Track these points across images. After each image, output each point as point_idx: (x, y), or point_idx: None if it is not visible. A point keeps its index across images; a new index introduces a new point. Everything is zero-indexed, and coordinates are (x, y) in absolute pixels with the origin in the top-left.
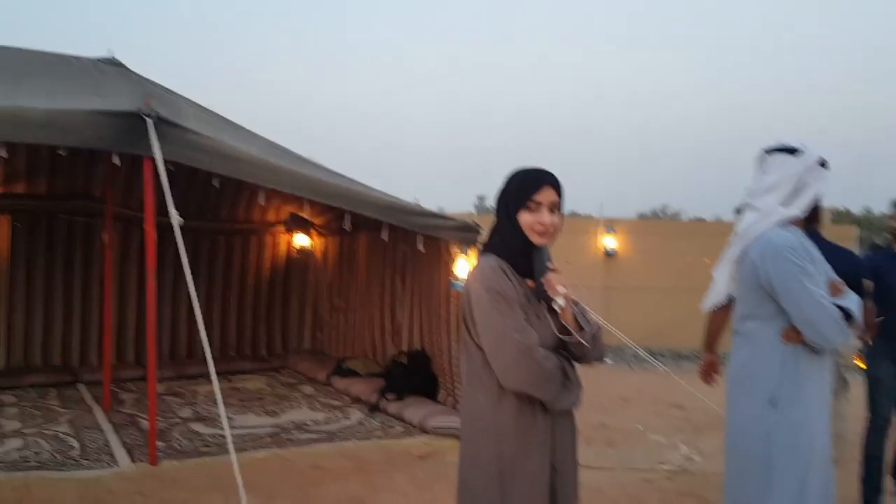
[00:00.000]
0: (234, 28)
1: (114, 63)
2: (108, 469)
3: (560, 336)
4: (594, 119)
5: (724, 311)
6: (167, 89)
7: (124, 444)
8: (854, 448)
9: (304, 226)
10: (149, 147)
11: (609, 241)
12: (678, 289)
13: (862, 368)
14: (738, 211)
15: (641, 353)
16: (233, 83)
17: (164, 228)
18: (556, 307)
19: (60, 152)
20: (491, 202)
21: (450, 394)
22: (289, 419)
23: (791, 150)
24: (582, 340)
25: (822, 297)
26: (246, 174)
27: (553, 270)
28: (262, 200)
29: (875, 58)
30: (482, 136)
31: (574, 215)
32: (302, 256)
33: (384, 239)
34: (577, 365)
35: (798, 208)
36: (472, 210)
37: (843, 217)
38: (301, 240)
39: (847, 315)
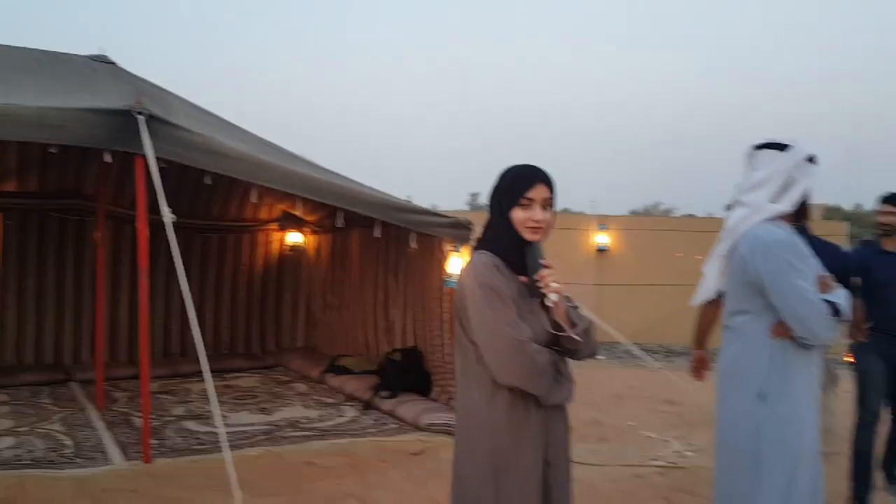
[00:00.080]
0: (224, 23)
1: (105, 61)
2: (102, 467)
3: (553, 332)
4: (588, 117)
5: (713, 306)
6: (158, 87)
7: (118, 442)
8: (844, 442)
9: (297, 223)
10: (140, 145)
11: (601, 238)
12: (670, 285)
13: (851, 363)
14: (729, 207)
15: (634, 349)
16: (226, 80)
17: (156, 226)
18: (548, 303)
19: (52, 150)
20: (484, 200)
21: (444, 391)
22: (282, 417)
23: (780, 147)
24: (574, 336)
25: (810, 292)
26: (238, 172)
27: (546, 266)
28: (254, 198)
29: (866, 56)
30: (476, 134)
31: (567, 212)
32: (295, 254)
33: (377, 236)
34: (569, 361)
35: (787, 204)
36: (466, 207)
37: (833, 213)
38: (294, 237)
39: (835, 310)
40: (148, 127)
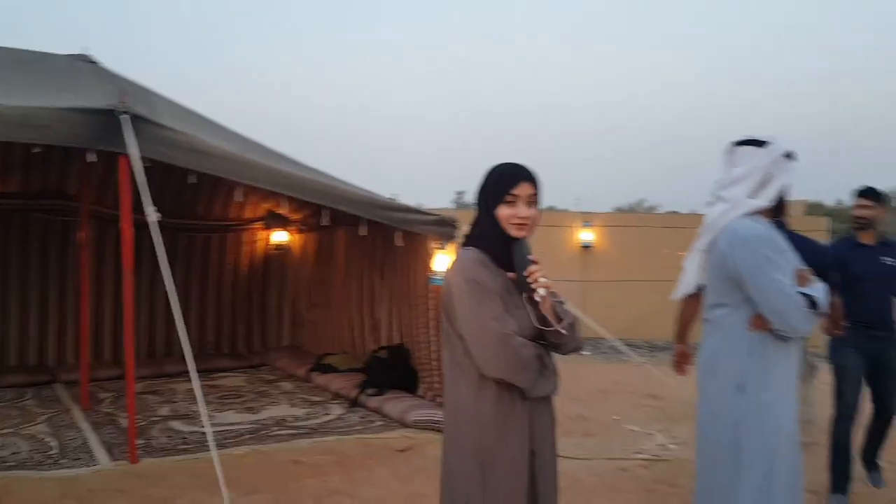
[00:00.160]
0: (224, 23)
1: (87, 60)
2: (88, 468)
3: (540, 327)
4: (580, 117)
5: (694, 301)
6: (141, 86)
7: (103, 442)
8: (823, 433)
9: (282, 222)
10: (124, 144)
11: (585, 235)
12: (654, 281)
13: (828, 357)
14: (709, 203)
15: (618, 345)
16: (226, 80)
17: (140, 226)
18: (536, 298)
19: (36, 150)
20: (470, 198)
21: (430, 387)
22: (269, 415)
23: (759, 143)
24: (561, 330)
25: (787, 286)
26: (223, 170)
27: (534, 262)
28: (239, 197)
29: (865, 56)
30: (463, 134)
31: (551, 210)
32: (280, 253)
33: (362, 234)
34: (554, 355)
35: (765, 199)
36: (451, 206)
37: (815, 209)
38: (279, 236)
39: (812, 303)
40: (132, 126)
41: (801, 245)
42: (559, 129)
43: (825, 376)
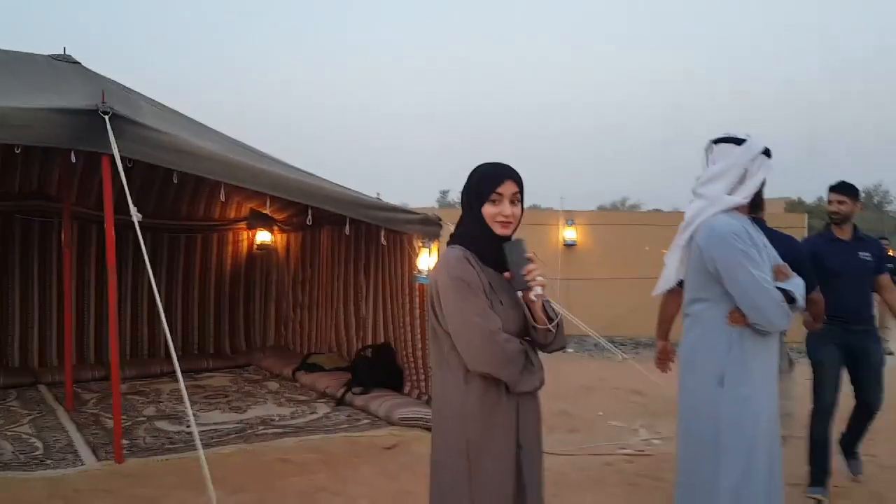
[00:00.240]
0: (224, 23)
1: (68, 60)
2: (74, 468)
3: (533, 325)
4: (561, 117)
5: (675, 297)
6: (123, 86)
7: (88, 443)
8: (803, 427)
9: (266, 222)
10: (106, 144)
11: (569, 233)
12: (637, 278)
13: (807, 352)
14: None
15: (602, 342)
16: (226, 80)
17: (122, 227)
18: (533, 296)
19: (17, 150)
20: (454, 197)
21: (415, 386)
22: (254, 415)
23: (736, 141)
24: (551, 329)
25: (764, 280)
26: (206, 170)
27: (531, 260)
28: (222, 197)
29: (865, 57)
30: (446, 133)
31: (535, 208)
32: (264, 252)
33: (347, 234)
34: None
35: (743, 196)
36: (435, 205)
37: (796, 206)
38: (263, 236)
39: (790, 298)
40: (114, 126)
41: (778, 241)
42: (545, 130)
43: (804, 371)
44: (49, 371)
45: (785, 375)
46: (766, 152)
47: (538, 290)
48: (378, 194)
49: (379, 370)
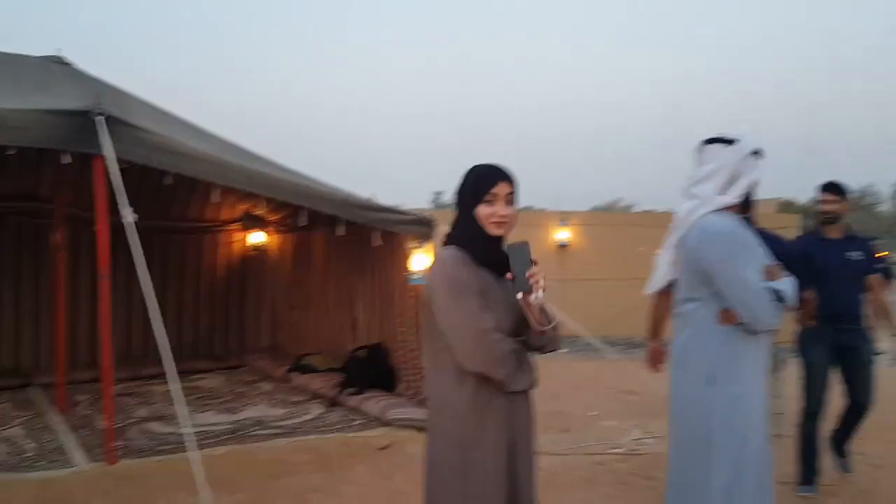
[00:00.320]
0: (224, 23)
1: (61, 62)
2: (66, 469)
3: (536, 327)
4: (555, 116)
5: (666, 297)
6: (116, 87)
7: (81, 444)
8: (792, 426)
9: (260, 223)
10: (99, 145)
11: (562, 234)
12: (630, 278)
13: (797, 352)
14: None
15: (594, 341)
16: (226, 80)
17: (115, 228)
18: (533, 299)
19: (10, 152)
20: (447, 198)
21: (409, 386)
22: (248, 416)
23: (727, 141)
24: (547, 331)
25: (755, 280)
26: (200, 172)
27: (535, 263)
28: (215, 198)
29: (823, 56)
30: (441, 133)
31: (529, 209)
32: (258, 254)
33: (340, 234)
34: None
35: (733, 196)
36: (430, 206)
37: (787, 207)
38: (256, 237)
39: (780, 297)
40: (107, 127)
41: (768, 241)
42: (541, 131)
43: (794, 370)
44: (41, 372)
45: (774, 375)
46: (757, 153)
47: (539, 293)
48: (373, 195)
49: (372, 370)
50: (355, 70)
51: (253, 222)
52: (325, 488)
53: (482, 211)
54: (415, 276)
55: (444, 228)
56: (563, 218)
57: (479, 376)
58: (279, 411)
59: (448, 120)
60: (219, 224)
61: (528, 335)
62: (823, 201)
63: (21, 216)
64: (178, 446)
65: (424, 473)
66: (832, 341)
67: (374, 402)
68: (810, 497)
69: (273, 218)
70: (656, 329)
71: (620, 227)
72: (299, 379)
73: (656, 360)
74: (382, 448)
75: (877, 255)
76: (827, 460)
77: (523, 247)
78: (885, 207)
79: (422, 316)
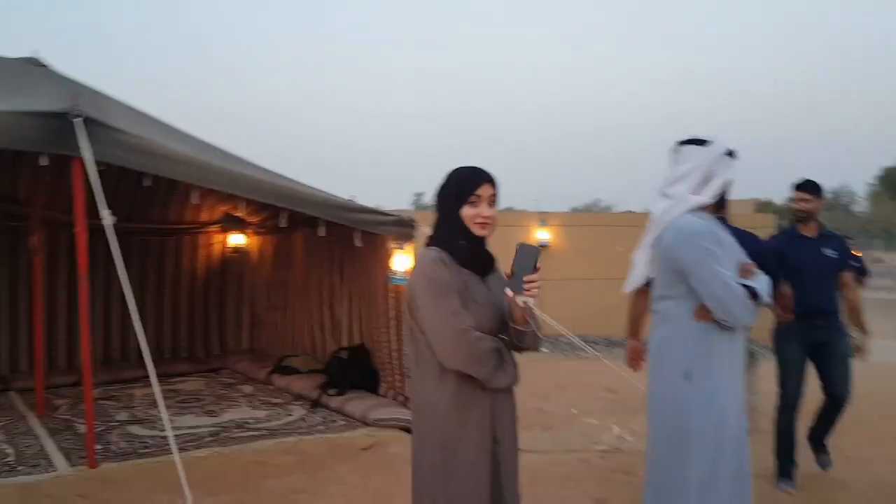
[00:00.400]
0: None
1: (37, 63)
2: (46, 474)
3: (514, 326)
4: (533, 120)
5: (644, 296)
6: (94, 89)
7: (61, 448)
8: (768, 420)
9: (240, 225)
10: (77, 147)
11: (542, 234)
12: (609, 278)
13: (773, 348)
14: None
15: (576, 341)
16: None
17: (93, 231)
18: (520, 301)
19: None
20: (428, 199)
21: (391, 386)
22: (229, 418)
23: (700, 142)
24: (528, 331)
25: (728, 277)
26: (179, 173)
27: (537, 270)
28: (195, 200)
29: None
30: (423, 135)
31: (510, 210)
32: (238, 255)
33: (321, 236)
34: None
35: (707, 195)
36: (410, 206)
37: (764, 207)
38: (236, 239)
39: (754, 294)
40: (85, 129)
41: (743, 240)
42: (521, 133)
43: (770, 366)
44: (19, 377)
45: (749, 371)
46: (730, 153)
47: (529, 301)
48: (353, 196)
49: (354, 371)
50: (336, 70)
51: (233, 224)
52: (308, 489)
53: (466, 212)
54: (396, 277)
55: (424, 229)
56: (543, 219)
57: (461, 374)
58: (261, 413)
59: (428, 122)
60: (198, 226)
61: (510, 333)
62: (798, 200)
63: None
64: (160, 449)
65: (412, 471)
66: (807, 337)
67: (356, 403)
68: (788, 491)
69: (253, 219)
70: (635, 327)
71: (599, 227)
72: (281, 381)
73: (636, 358)
74: (365, 448)
75: (852, 254)
76: (807, 456)
77: (533, 251)
78: (859, 207)
79: (404, 316)
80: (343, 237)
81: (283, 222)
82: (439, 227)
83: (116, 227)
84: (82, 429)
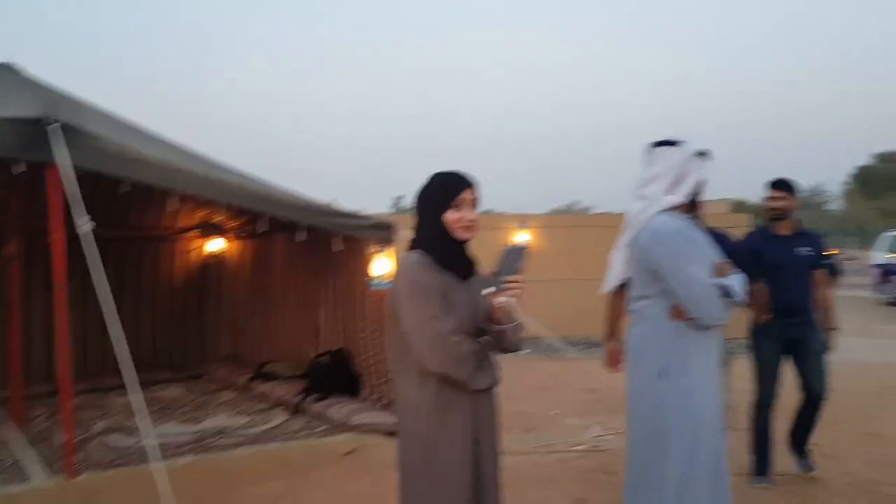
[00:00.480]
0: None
1: (11, 69)
2: (24, 485)
3: (494, 326)
4: (513, 124)
5: (621, 297)
6: (69, 95)
7: (40, 459)
8: (744, 418)
9: (218, 230)
10: (53, 154)
11: (521, 237)
12: (588, 279)
13: (749, 347)
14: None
15: (555, 342)
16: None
17: (71, 238)
18: (500, 301)
19: None
20: (408, 202)
21: (373, 391)
22: (210, 425)
23: (672, 143)
24: (506, 331)
25: (702, 276)
26: (156, 179)
27: (521, 273)
28: (173, 205)
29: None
30: (401, 140)
31: (489, 213)
32: (216, 261)
33: (301, 240)
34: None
35: (680, 195)
36: (390, 210)
37: (740, 207)
38: (215, 245)
39: (727, 292)
40: (60, 136)
41: (717, 240)
42: (498, 136)
43: (746, 364)
44: None
45: (724, 369)
46: (702, 154)
47: (509, 300)
48: (333, 200)
49: (335, 376)
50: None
51: (211, 229)
52: (290, 495)
53: (450, 216)
54: (376, 281)
55: (404, 232)
56: (523, 221)
57: (442, 376)
58: (242, 420)
59: (407, 125)
60: (177, 232)
61: (492, 335)
62: (772, 198)
63: None
64: (140, 458)
65: (398, 472)
66: (783, 335)
67: (338, 408)
68: (764, 487)
69: (232, 225)
70: (613, 328)
71: (578, 228)
72: (262, 387)
73: (614, 359)
74: (347, 453)
75: (826, 252)
76: (784, 454)
77: (519, 251)
78: (834, 206)
79: (387, 319)
80: (323, 241)
81: (262, 227)
82: (421, 230)
83: (94, 233)
84: (61, 438)
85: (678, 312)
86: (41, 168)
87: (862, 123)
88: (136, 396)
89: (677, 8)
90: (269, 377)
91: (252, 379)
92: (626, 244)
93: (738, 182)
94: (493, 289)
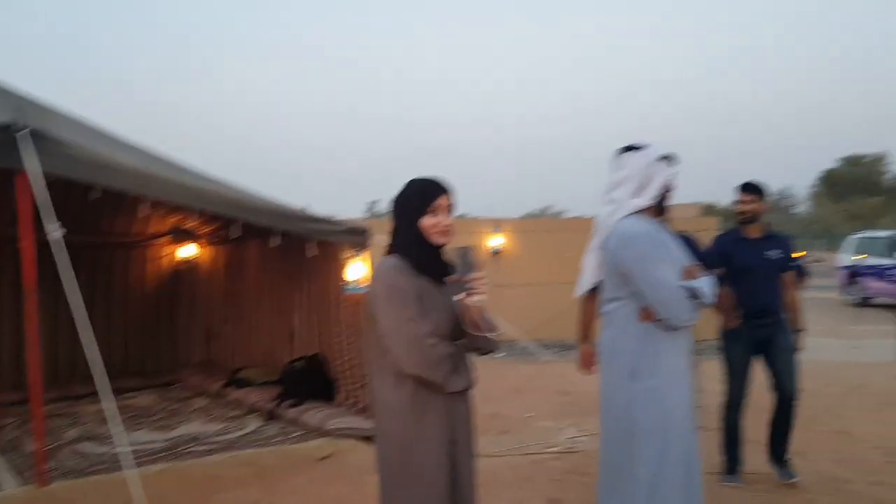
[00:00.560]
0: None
1: None
2: None
3: (468, 331)
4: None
5: (593, 300)
6: (38, 101)
7: (10, 467)
8: (715, 418)
9: (190, 236)
10: (22, 160)
11: (496, 240)
12: (561, 282)
13: (719, 348)
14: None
15: (529, 345)
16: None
17: (41, 244)
18: (471, 302)
19: None
20: (382, 207)
21: (349, 395)
22: (183, 433)
23: (637, 148)
24: (486, 335)
25: (669, 278)
26: (127, 185)
27: (478, 269)
28: (144, 211)
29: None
30: (376, 145)
31: (463, 217)
32: (189, 268)
33: (274, 246)
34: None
35: (646, 199)
36: (365, 215)
37: (709, 210)
38: (187, 251)
39: (694, 294)
40: (29, 142)
41: (683, 242)
42: (472, 141)
43: (716, 365)
44: None
45: (693, 369)
46: (666, 157)
47: (478, 298)
48: (307, 205)
49: (310, 381)
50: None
51: (183, 235)
52: (265, 501)
53: (426, 221)
54: (351, 286)
55: (379, 237)
56: (497, 225)
57: (418, 378)
58: (215, 426)
59: (383, 129)
60: (148, 238)
61: (468, 338)
62: (741, 201)
63: None
64: (112, 466)
65: (377, 474)
66: (753, 336)
67: (313, 414)
68: (734, 486)
69: (204, 230)
70: (585, 331)
71: (551, 232)
72: (235, 393)
73: (588, 362)
74: (323, 458)
75: (794, 255)
76: (755, 457)
77: (467, 251)
78: (801, 209)
79: (364, 322)
80: (297, 247)
81: (235, 233)
82: (398, 235)
83: (64, 239)
84: (31, 447)
85: (647, 314)
86: (10, 174)
87: (828, 128)
88: (108, 404)
89: (641, 18)
90: (242, 383)
91: (226, 385)
92: (598, 247)
93: (708, 186)
94: (462, 294)
